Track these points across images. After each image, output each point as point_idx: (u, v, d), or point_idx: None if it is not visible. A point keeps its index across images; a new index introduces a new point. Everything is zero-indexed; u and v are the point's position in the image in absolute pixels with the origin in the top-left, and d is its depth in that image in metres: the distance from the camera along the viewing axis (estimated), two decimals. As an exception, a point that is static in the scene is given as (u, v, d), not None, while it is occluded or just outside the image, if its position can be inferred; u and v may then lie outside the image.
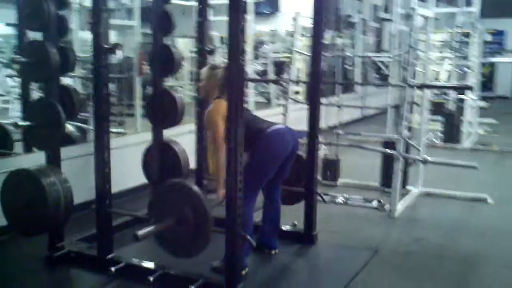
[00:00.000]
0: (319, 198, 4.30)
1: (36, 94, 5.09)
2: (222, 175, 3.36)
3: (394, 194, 4.95)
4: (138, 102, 6.55)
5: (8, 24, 6.69)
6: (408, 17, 5.71)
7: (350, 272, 3.66)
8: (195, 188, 3.16)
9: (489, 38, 10.32)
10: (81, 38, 6.88)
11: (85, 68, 7.69)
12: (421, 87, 5.64)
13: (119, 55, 9.37)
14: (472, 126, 8.78)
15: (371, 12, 13.20)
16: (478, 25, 8.62)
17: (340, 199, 5.30)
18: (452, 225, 4.73)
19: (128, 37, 8.88)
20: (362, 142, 6.59)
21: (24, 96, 5.00)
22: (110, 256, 3.59)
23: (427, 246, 4.23)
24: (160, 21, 4.40)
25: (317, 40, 4.12)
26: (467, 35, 8.73)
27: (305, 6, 7.55)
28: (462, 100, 8.75)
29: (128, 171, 4.42)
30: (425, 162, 5.19)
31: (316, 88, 4.16)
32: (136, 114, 6.49)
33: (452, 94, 8.82)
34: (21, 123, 3.64)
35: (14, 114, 7.08)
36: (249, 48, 7.12)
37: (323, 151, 5.90)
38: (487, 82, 13.63)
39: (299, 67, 8.52)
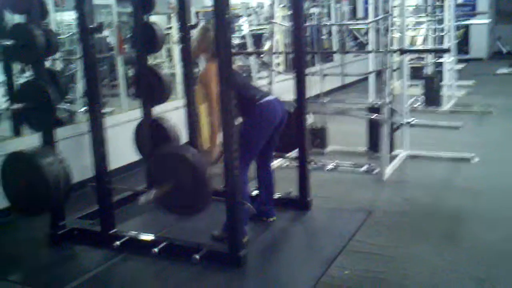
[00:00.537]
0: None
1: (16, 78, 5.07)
2: (215, 135, 3.48)
3: (383, 158, 5.06)
4: (122, 81, 6.54)
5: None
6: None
7: (347, 234, 3.78)
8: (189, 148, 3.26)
9: (460, 0, 10.39)
10: (56, 20, 6.82)
11: (62, 50, 7.63)
12: (402, 52, 5.71)
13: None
14: (451, 89, 8.91)
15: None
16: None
17: (330, 166, 5.41)
18: (440, 185, 4.87)
19: (103, 16, 8.80)
20: (346, 110, 6.68)
21: (9, 80, 4.96)
22: (112, 231, 3.65)
23: (417, 205, 4.36)
24: (140, -1, 4.40)
25: (297, 10, 4.16)
26: (440, -2, 8.81)
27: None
28: (439, 64, 8.89)
29: (119, 149, 4.46)
30: (410, 125, 5.29)
31: (301, 58, 4.21)
32: (120, 93, 6.49)
33: (429, 58, 8.94)
34: (13, 106, 3.65)
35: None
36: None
37: (310, 120, 5.97)
38: (462, 45, 13.77)
39: (278, 38, 8.53)
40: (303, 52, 4.23)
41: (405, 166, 5.48)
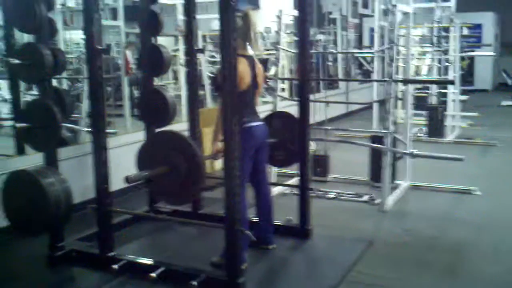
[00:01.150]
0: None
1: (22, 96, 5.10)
2: (217, 132, 3.55)
3: (384, 188, 5.05)
4: (127, 102, 6.57)
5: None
6: (387, 12, 5.79)
7: (347, 264, 3.75)
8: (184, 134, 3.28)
9: (466, 32, 10.46)
10: (64, 39, 6.89)
11: (70, 69, 7.68)
12: (407, 82, 5.73)
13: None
14: (455, 119, 8.92)
15: (348, 7, 13.26)
16: (455, 19, 8.76)
17: (331, 194, 5.39)
18: (442, 217, 4.84)
19: (111, 36, 8.88)
20: (349, 138, 6.69)
21: (15, 98, 4.98)
22: (111, 254, 3.62)
23: (418, 237, 4.33)
24: (148, 21, 4.44)
25: (304, 37, 4.17)
26: (446, 29, 8.87)
27: (285, 3, 7.65)
28: (444, 94, 8.92)
29: (121, 171, 4.45)
30: (413, 155, 5.27)
31: (306, 85, 4.22)
32: (125, 114, 6.51)
33: (434, 88, 8.97)
34: (18, 125, 3.66)
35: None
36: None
37: (312, 147, 5.97)
38: (467, 76, 13.80)
39: (283, 64, 8.57)
40: (307, 79, 4.24)
41: (407, 197, 5.46)
